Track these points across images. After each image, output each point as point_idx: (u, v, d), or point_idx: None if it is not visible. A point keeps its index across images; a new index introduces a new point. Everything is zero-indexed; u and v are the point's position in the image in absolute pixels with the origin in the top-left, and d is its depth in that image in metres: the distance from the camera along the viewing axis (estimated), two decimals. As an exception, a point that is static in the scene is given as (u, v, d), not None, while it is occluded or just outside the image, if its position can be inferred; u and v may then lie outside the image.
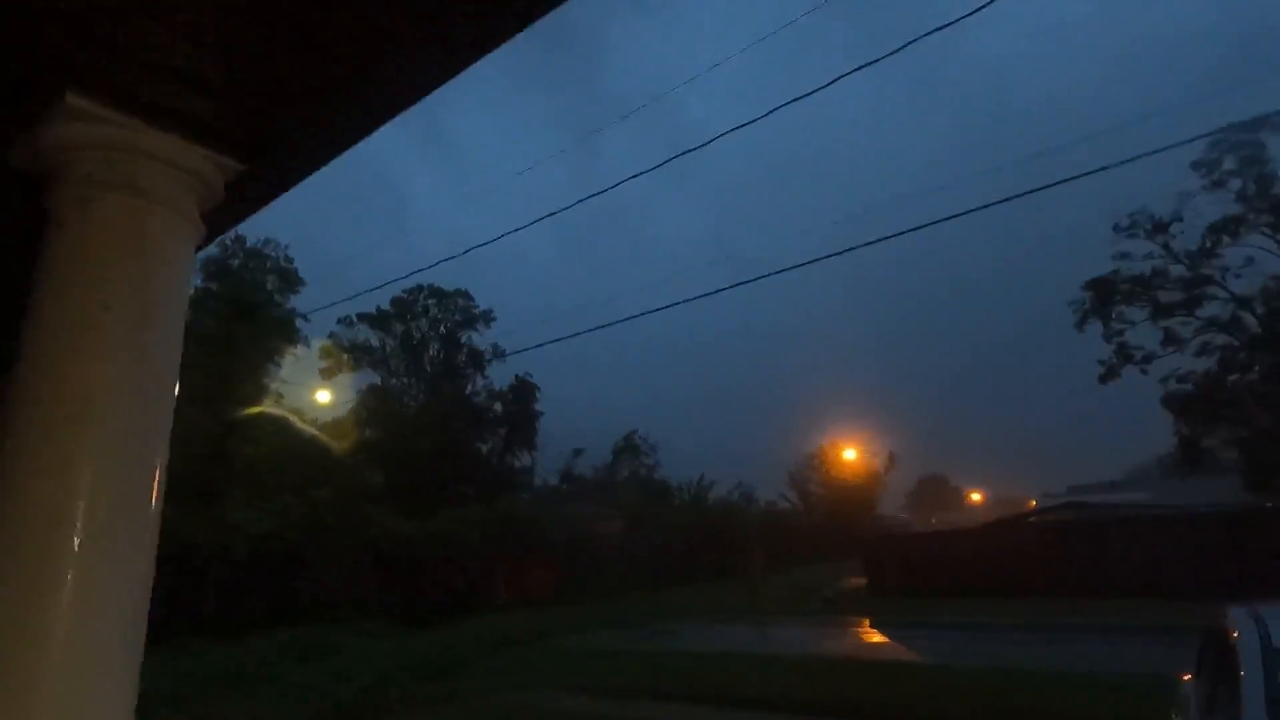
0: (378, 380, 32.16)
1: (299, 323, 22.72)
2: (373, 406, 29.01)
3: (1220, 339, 24.88)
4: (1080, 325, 26.90)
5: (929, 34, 7.97)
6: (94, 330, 1.21)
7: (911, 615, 15.95)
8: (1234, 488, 25.96)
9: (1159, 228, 25.23)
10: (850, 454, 52.32)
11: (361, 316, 31.74)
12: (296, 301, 23.62)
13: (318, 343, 27.50)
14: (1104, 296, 26.23)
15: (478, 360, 33.09)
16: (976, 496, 69.27)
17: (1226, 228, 23.97)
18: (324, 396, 23.87)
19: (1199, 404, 25.32)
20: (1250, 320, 24.17)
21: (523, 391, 33.07)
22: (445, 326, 34.59)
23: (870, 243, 11.28)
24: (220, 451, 17.32)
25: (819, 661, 10.16)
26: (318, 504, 17.25)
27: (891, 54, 8.18)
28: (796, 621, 16.47)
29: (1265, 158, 23.20)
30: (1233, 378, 24.95)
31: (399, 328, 33.30)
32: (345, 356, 30.83)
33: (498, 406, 33.18)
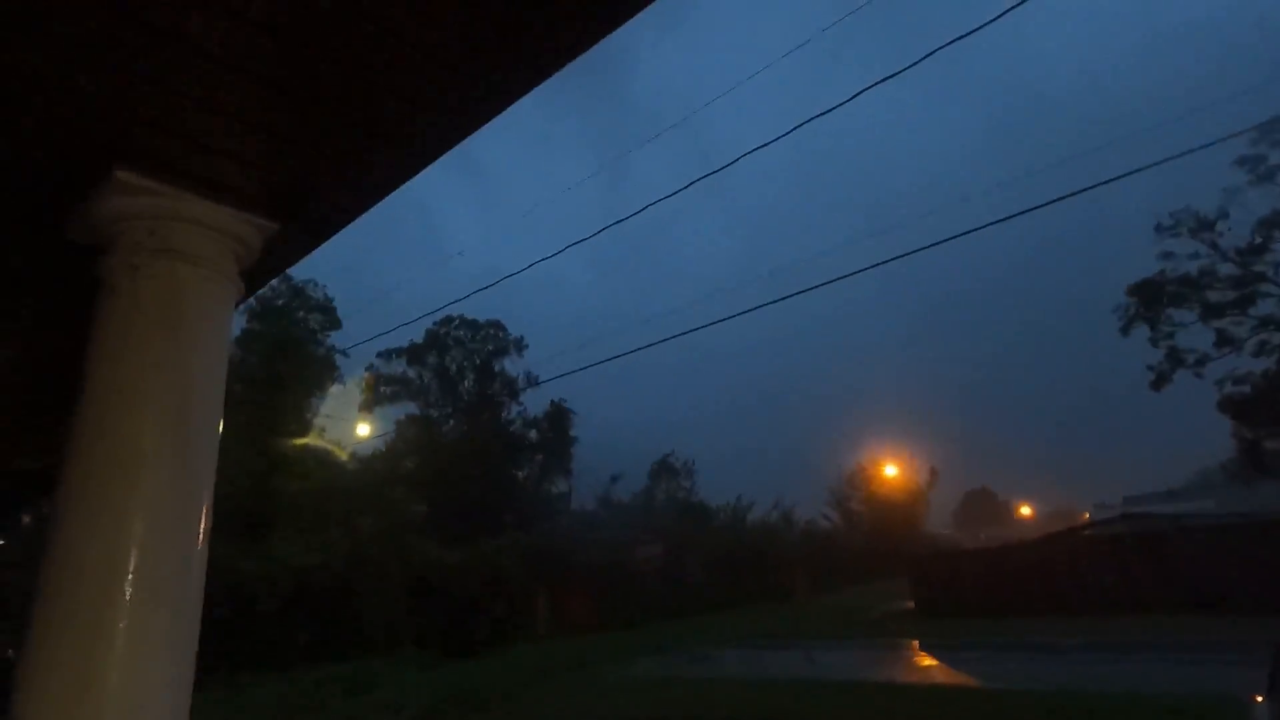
0: (416, 412, 32.72)
1: (339, 358, 23.33)
2: (411, 438, 29.50)
3: (1278, 338, 23.86)
4: (1126, 330, 26.08)
5: (951, 43, 7.93)
6: (142, 391, 1.29)
7: (963, 636, 15.42)
8: (1303, 493, 24.68)
9: (1204, 225, 24.43)
10: (891, 470, 51.16)
11: (398, 351, 32.45)
12: (336, 336, 24.27)
13: (357, 376, 28.22)
14: (1150, 300, 25.41)
15: (512, 388, 33.48)
16: (1026, 510, 66.97)
17: (1278, 222, 23.10)
18: (364, 429, 24.35)
19: (1259, 406, 24.23)
20: (1309, 317, 23.19)
21: (558, 418, 33.29)
22: (479, 357, 35.11)
23: (898, 257, 11.14)
24: (265, 487, 17.78)
25: (869, 687, 9.88)
26: (361, 536, 17.53)
27: (912, 65, 8.15)
28: (843, 645, 16.05)
29: (1312, 150, 22.40)
30: (1293, 378, 23.88)
31: (434, 359, 33.91)
32: (384, 389, 31.49)
33: (533, 434, 33.43)
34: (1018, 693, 8.63)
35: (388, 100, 1.24)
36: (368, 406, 28.74)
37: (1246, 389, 24.45)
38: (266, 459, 18.05)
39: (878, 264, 10.49)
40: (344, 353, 24.33)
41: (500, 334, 35.44)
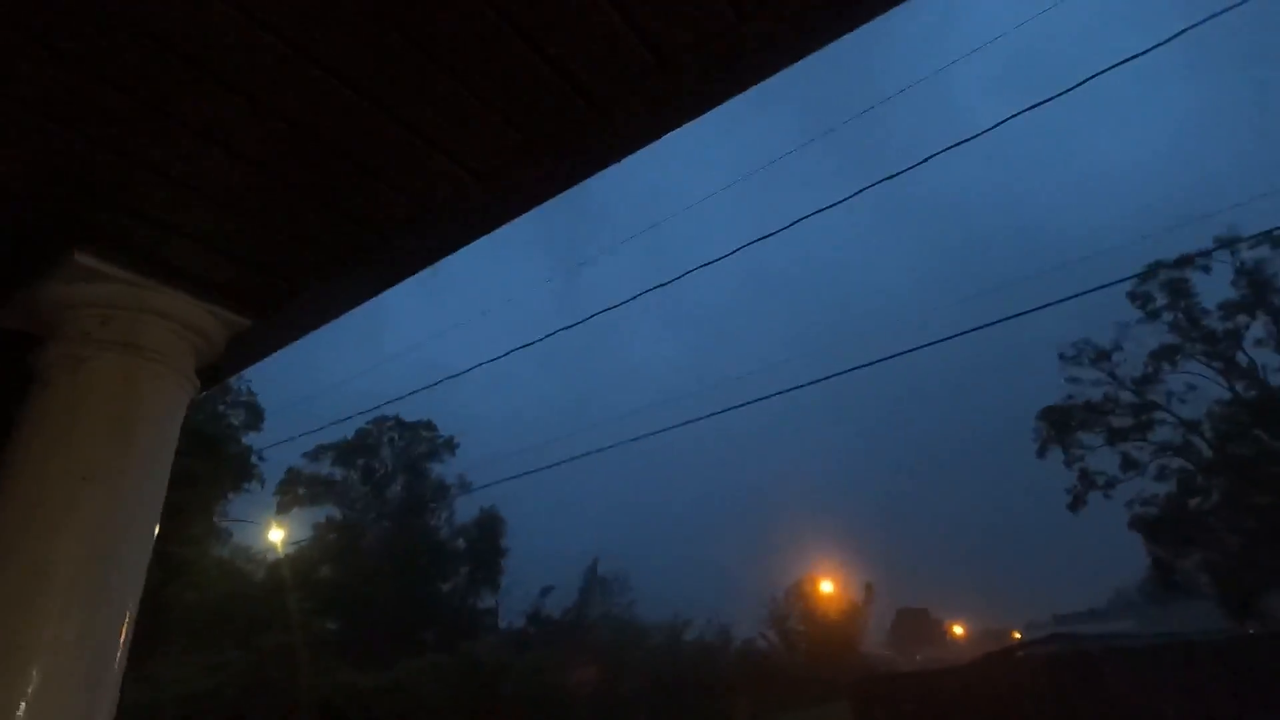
0: (337, 515, 30.74)
1: (257, 460, 21.93)
2: (329, 543, 27.51)
3: (1175, 463, 25.49)
4: (1041, 453, 27.43)
5: (888, 178, 8.65)
6: (72, 506, 1.11)
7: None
8: (1213, 613, 25.58)
9: (1103, 356, 26.53)
10: (828, 587, 50.61)
11: (324, 448, 30.85)
12: (258, 436, 22.95)
13: (278, 478, 26.50)
14: (1060, 424, 26.98)
15: (442, 493, 32.04)
16: (959, 629, 66.87)
17: (1165, 355, 25.30)
18: (277, 535, 22.57)
19: (1166, 527, 25.45)
20: (1201, 445, 24.94)
21: (488, 526, 31.81)
22: (409, 458, 33.75)
23: (829, 376, 11.57)
24: (158, 599, 15.98)
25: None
26: (264, 655, 15.78)
27: (851, 197, 8.81)
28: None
29: (1191, 292, 25.00)
30: (1194, 501, 25.30)
31: (362, 460, 32.37)
32: (303, 491, 29.60)
33: (461, 542, 31.74)
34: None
35: (395, 199, 1.19)
36: (285, 509, 26.84)
37: (1154, 510, 25.72)
38: (162, 568, 16.34)
39: (805, 384, 10.82)
40: (260, 456, 22.90)
41: (432, 435, 34.35)
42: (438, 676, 19.16)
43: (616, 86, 0.99)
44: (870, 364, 10.93)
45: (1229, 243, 22.22)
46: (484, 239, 1.36)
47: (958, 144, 6.58)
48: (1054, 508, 28.25)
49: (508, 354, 12.77)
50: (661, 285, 10.73)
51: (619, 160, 1.10)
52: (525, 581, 34.92)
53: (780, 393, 12.02)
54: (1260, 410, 23.26)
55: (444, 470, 33.51)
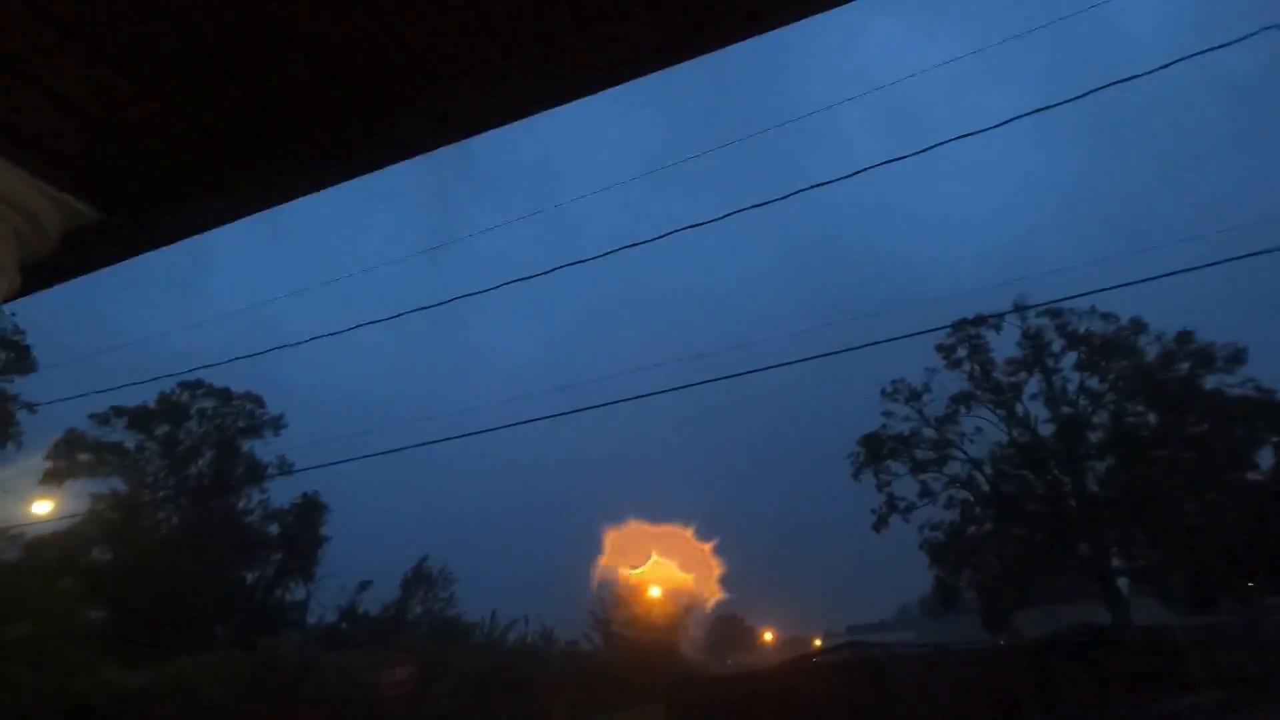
0: (122, 489, 26.84)
1: (23, 413, 18.67)
2: (109, 520, 23.94)
3: (961, 494, 29.19)
4: (857, 475, 30.24)
5: (758, 205, 9.12)
6: None
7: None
8: (976, 625, 29.55)
9: (913, 395, 29.83)
10: (655, 591, 52.17)
11: (119, 411, 26.84)
12: (30, 386, 19.53)
13: (54, 437, 22.65)
14: (874, 451, 29.92)
15: (257, 474, 29.07)
16: (769, 636, 71.68)
17: (962, 400, 28.97)
18: (43, 507, 19.28)
19: (948, 550, 29.02)
20: (981, 480, 28.77)
21: (308, 512, 29.33)
22: (223, 432, 30.32)
23: (672, 389, 12.00)
24: None
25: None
26: (6, 649, 13.35)
27: (724, 217, 9.19)
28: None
29: (985, 347, 28.86)
30: (971, 529, 29.09)
31: (165, 429, 28.57)
32: (83, 458, 25.55)
33: (274, 527, 28.98)
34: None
35: (323, 89, 1.03)
36: (58, 478, 23.00)
37: (940, 535, 29.22)
38: None
39: (648, 394, 11.16)
40: (30, 407, 19.54)
41: (255, 409, 31.16)
42: (226, 675, 17.27)
43: (612, 12, 0.94)
44: (714, 380, 11.44)
45: (1020, 308, 25.88)
46: (356, 189, 1.23)
47: (826, 182, 7.11)
48: (861, 527, 31.11)
49: (354, 328, 11.91)
50: (524, 279, 10.54)
51: (599, 90, 1.04)
52: (343, 575, 32.64)
53: (620, 400, 12.23)
54: (1028, 455, 27.29)
55: (264, 450, 30.46)
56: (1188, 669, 18.14)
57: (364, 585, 30.71)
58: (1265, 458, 24.26)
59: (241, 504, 29.08)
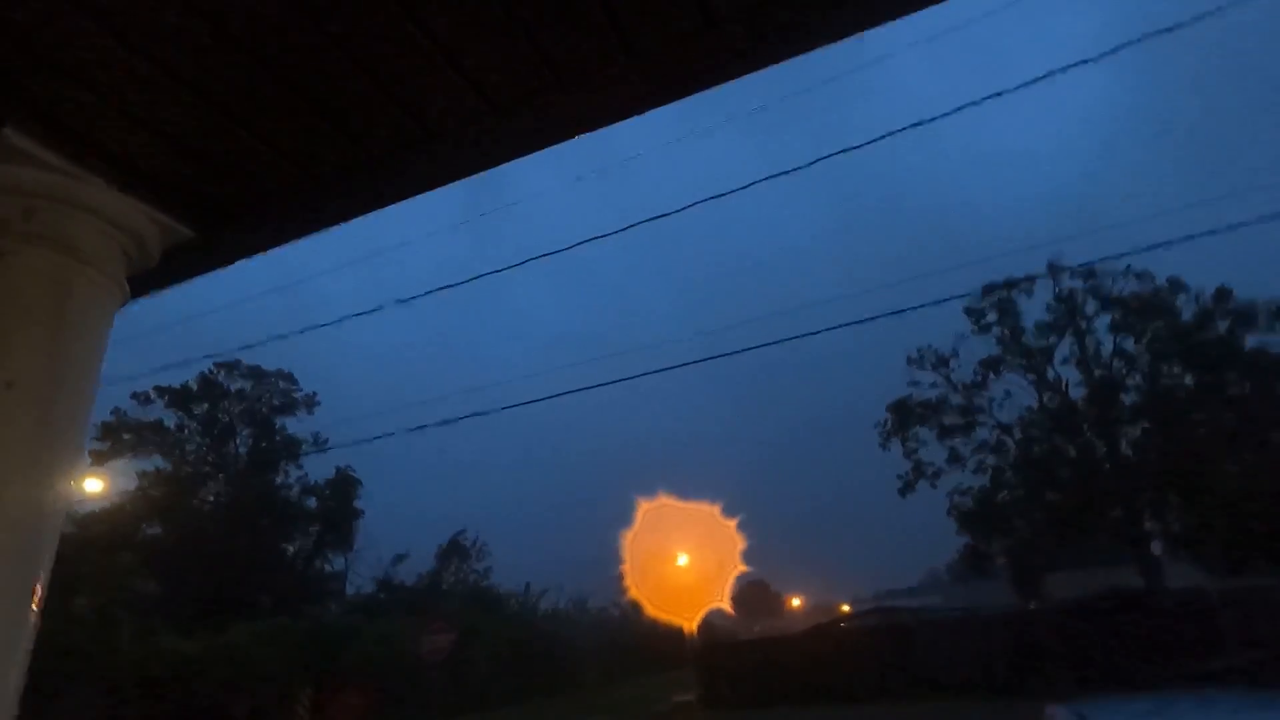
0: (168, 467, 27.85)
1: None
2: (156, 498, 24.92)
3: (990, 460, 28.95)
4: (884, 443, 30.12)
5: (800, 167, 9.07)
6: (-2, 412, 0.98)
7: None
8: (1005, 590, 29.56)
9: (941, 362, 29.47)
10: (682, 560, 52.85)
11: (161, 390, 27.72)
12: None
13: (99, 419, 23.53)
14: (902, 418, 29.73)
15: (293, 450, 29.90)
16: (796, 602, 72.47)
17: (991, 365, 28.57)
18: (94, 485, 20.13)
19: (977, 516, 28.92)
20: (1011, 445, 28.49)
21: (342, 487, 30.18)
22: (260, 411, 31.18)
23: (703, 360, 12.05)
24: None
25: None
26: (71, 619, 14.11)
27: (769, 178, 9.16)
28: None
29: (1015, 310, 28.32)
30: (1001, 494, 28.93)
31: (204, 408, 29.46)
32: (127, 437, 26.52)
33: (312, 502, 29.89)
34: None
35: (396, 114, 1.11)
36: (106, 458, 23.92)
37: (969, 501, 29.11)
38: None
39: (685, 364, 11.24)
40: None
41: (289, 387, 31.93)
42: (273, 641, 18.06)
43: (659, 38, 1.01)
44: (748, 349, 11.48)
45: (1054, 270, 25.31)
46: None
47: (879, 138, 7.05)
48: (891, 496, 31.07)
49: (380, 309, 12.13)
50: (547, 255, 10.63)
51: (647, 110, 1.12)
52: (378, 547, 33.68)
53: (657, 371, 12.32)
54: (1059, 419, 26.92)
55: (298, 426, 31.28)
56: (1221, 631, 18.02)
57: (399, 557, 31.68)
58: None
59: (279, 479, 30.01)
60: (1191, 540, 24.13)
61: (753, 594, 79.37)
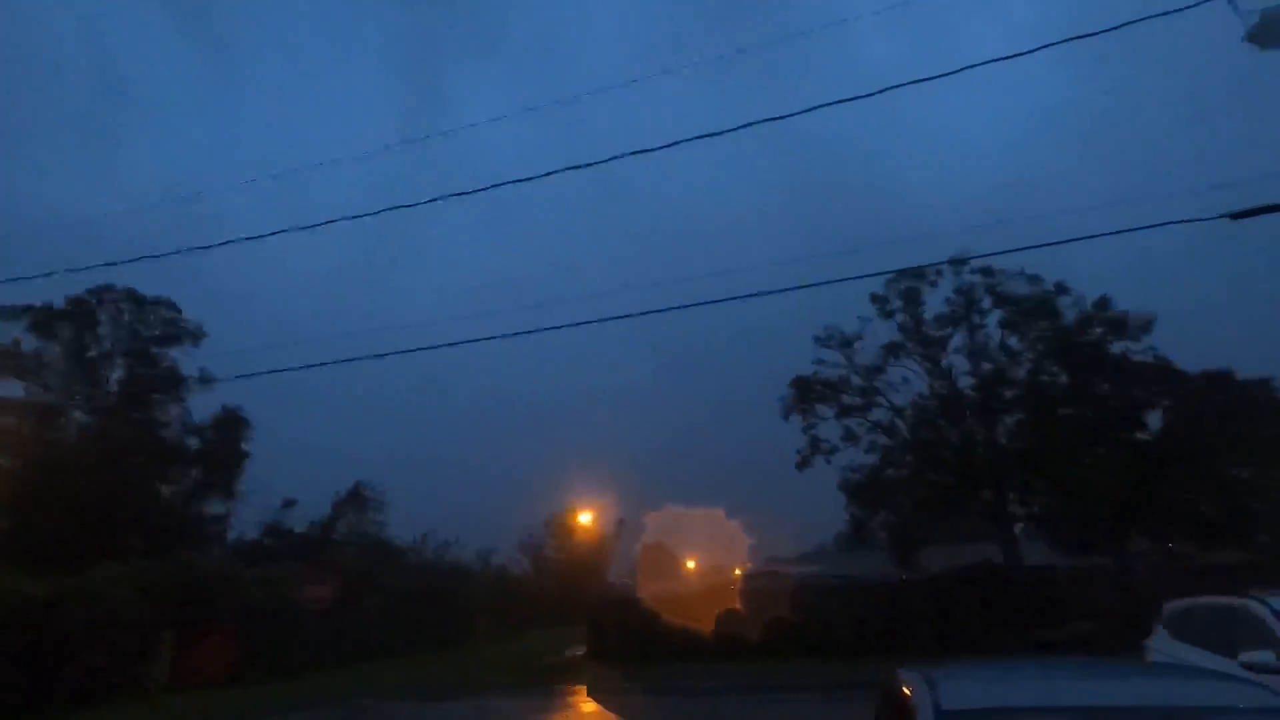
0: (22, 395, 25.29)
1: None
2: (6, 429, 22.64)
3: (882, 440, 30.60)
4: (785, 417, 31.23)
5: (756, 123, 8.93)
6: None
7: (628, 681, 16.39)
8: (885, 562, 31.63)
9: (845, 343, 30.69)
10: (585, 519, 53.58)
11: (17, 310, 24.98)
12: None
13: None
14: (804, 393, 30.86)
15: (175, 384, 27.81)
16: (691, 564, 75.07)
17: (892, 350, 30.00)
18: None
19: (865, 492, 30.63)
20: (902, 427, 30.20)
21: (229, 427, 28.43)
22: (139, 340, 28.75)
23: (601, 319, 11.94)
24: None
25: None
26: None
27: (720, 133, 8.98)
28: (515, 693, 15.91)
29: (919, 300, 29.74)
30: (888, 472, 30.70)
31: (71, 332, 26.83)
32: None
33: (194, 441, 28.03)
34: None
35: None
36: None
37: (860, 477, 30.73)
38: None
39: (605, 319, 11.08)
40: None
41: (174, 316, 29.56)
42: (138, 585, 16.94)
43: None
44: (675, 308, 11.42)
45: (956, 262, 26.60)
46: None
47: (838, 101, 7.00)
48: (788, 467, 32.31)
49: (277, 233, 11.27)
50: (463, 193, 10.12)
51: None
52: (268, 491, 32.07)
53: (575, 324, 12.11)
54: (946, 405, 28.72)
55: (184, 362, 29.07)
56: (1065, 604, 20.00)
57: (289, 503, 30.34)
58: (1154, 420, 26.34)
59: (158, 415, 27.91)
60: (1048, 522, 26.53)
61: (652, 556, 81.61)
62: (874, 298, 29.88)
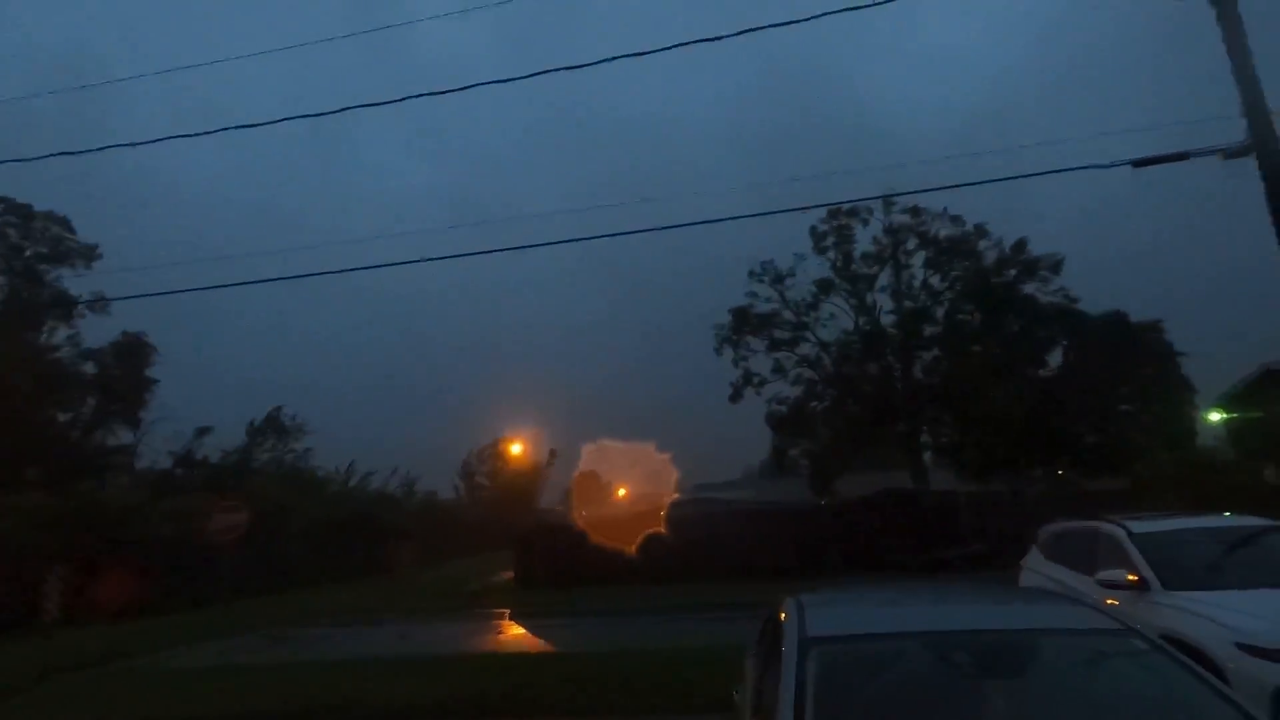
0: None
1: None
2: None
3: (808, 374, 31.58)
4: (719, 349, 31.71)
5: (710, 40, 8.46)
6: None
7: (554, 605, 16.81)
8: (805, 489, 33.20)
9: (778, 278, 31.06)
10: (517, 448, 53.77)
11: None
12: None
13: None
14: (740, 323, 31.31)
15: (64, 306, 25.65)
16: (623, 492, 77.04)
17: (823, 287, 30.59)
18: None
19: (789, 423, 31.77)
20: (827, 361, 31.19)
21: (130, 352, 26.65)
22: (23, 259, 26.25)
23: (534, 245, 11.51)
24: None
25: (452, 659, 9.97)
26: None
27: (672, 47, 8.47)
28: (440, 618, 16.10)
29: (851, 238, 30.21)
30: (812, 404, 31.87)
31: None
32: None
33: (90, 366, 26.18)
34: (584, 654, 9.66)
35: None
36: None
37: (784, 409, 31.78)
38: None
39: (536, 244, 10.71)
40: None
41: (63, 233, 27.05)
42: (34, 517, 16.01)
43: None
44: (609, 235, 11.06)
45: (887, 197, 26.93)
46: None
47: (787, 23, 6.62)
48: (720, 398, 32.99)
49: (171, 138, 10.21)
50: (374, 104, 9.36)
51: None
52: (179, 419, 30.61)
53: (511, 249, 11.61)
54: (869, 342, 29.71)
55: (75, 285, 26.77)
56: (963, 526, 21.56)
57: (202, 431, 29.01)
58: (1055, 357, 28.08)
59: (48, 339, 25.83)
60: (954, 452, 28.27)
61: (584, 484, 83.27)
62: (813, 232, 30.16)
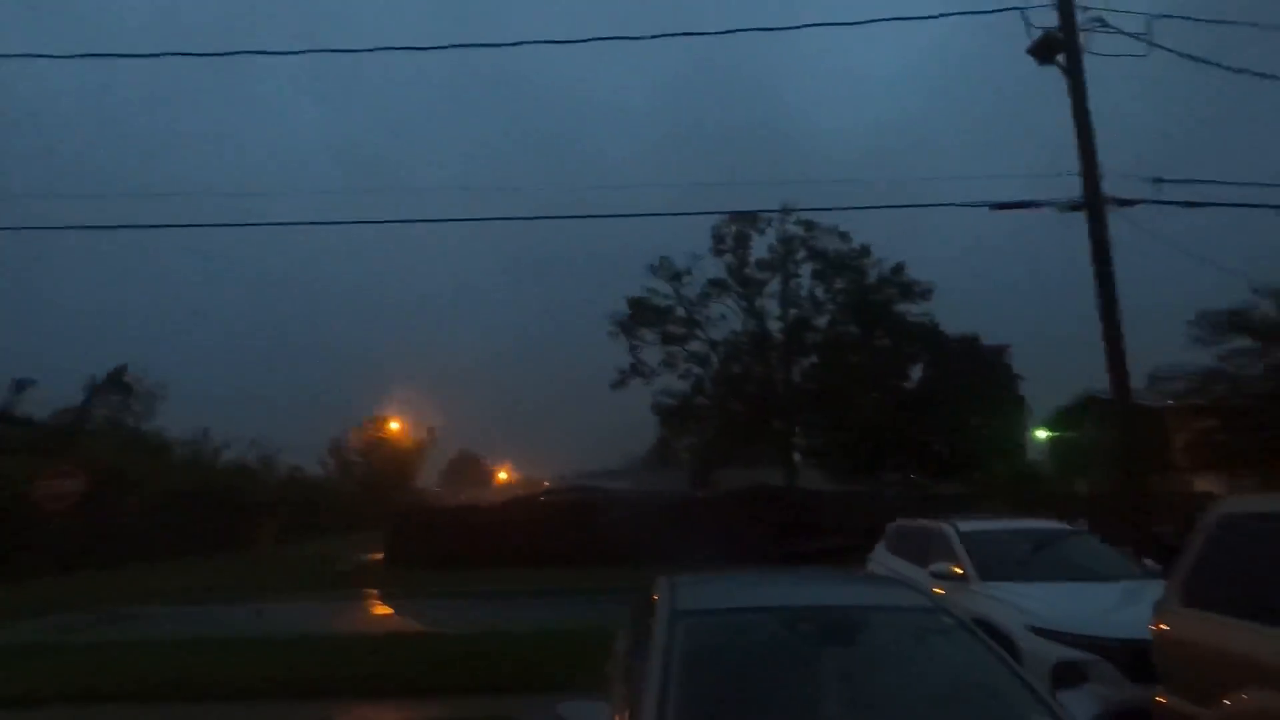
0: None
1: None
2: None
3: (695, 370, 32.58)
4: (614, 334, 32.05)
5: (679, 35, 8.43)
6: None
7: (425, 586, 16.47)
8: (685, 481, 34.33)
9: (674, 275, 31.82)
10: (394, 425, 51.75)
11: None
12: None
13: None
14: (636, 314, 31.78)
15: None
16: (504, 475, 76.11)
17: (716, 288, 31.63)
18: None
19: (675, 416, 32.70)
20: (714, 360, 32.32)
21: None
22: None
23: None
24: None
25: (311, 640, 9.56)
26: None
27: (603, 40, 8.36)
28: (302, 597, 15.34)
29: (748, 243, 31.41)
30: (698, 399, 32.93)
31: None
32: None
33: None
34: (452, 635, 9.62)
35: None
36: None
37: (672, 402, 32.65)
38: None
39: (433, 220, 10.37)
40: None
41: None
42: None
43: None
44: (507, 218, 10.89)
45: (785, 212, 28.22)
46: None
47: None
48: (605, 387, 33.32)
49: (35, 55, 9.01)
50: (260, 52, 8.74)
51: None
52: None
53: (397, 221, 11.17)
54: (754, 344, 31.12)
55: None
56: (824, 522, 23.16)
57: (22, 385, 25.72)
58: (917, 373, 30.73)
59: None
60: (823, 453, 30.27)
61: (463, 465, 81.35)
62: (714, 233, 31.06)
